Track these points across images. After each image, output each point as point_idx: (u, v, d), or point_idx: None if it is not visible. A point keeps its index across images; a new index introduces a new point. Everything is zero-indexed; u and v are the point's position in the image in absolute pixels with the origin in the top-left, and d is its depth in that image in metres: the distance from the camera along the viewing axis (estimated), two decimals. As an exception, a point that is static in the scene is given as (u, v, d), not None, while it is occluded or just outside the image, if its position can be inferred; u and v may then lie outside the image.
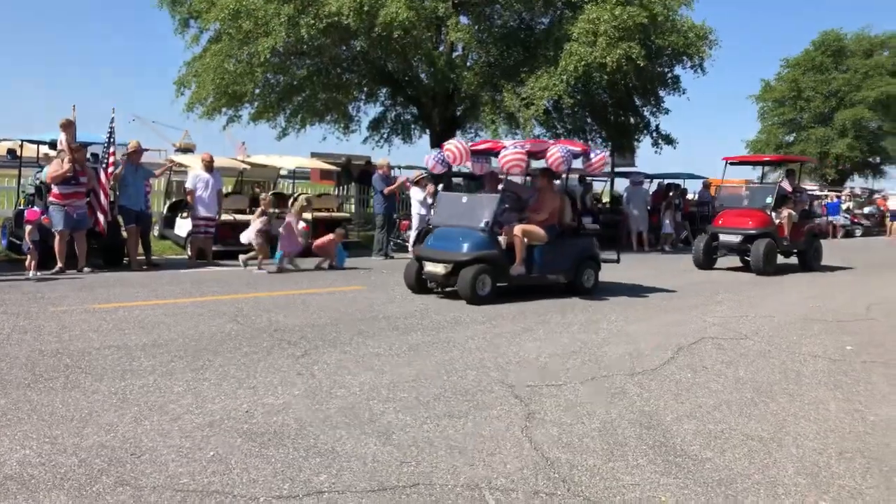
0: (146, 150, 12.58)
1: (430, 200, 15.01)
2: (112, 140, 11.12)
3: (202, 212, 12.10)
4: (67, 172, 10.02)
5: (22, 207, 11.37)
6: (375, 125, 21.32)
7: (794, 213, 13.74)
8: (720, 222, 14.01)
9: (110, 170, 10.96)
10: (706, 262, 13.81)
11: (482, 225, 8.90)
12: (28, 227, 9.69)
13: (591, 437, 4.21)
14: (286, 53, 16.91)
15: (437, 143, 19.68)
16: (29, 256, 9.68)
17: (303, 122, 19.47)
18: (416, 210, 14.64)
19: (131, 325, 6.73)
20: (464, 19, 17.67)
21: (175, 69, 19.74)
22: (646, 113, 20.35)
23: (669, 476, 3.71)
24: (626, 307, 8.97)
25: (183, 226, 13.31)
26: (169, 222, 14.43)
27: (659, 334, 7.30)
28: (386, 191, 14.17)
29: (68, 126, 10.38)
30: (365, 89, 19.96)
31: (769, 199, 13.67)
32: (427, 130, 20.32)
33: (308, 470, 3.57)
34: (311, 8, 15.17)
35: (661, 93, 19.93)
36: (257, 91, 17.71)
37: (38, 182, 11.18)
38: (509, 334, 7.01)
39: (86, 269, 10.24)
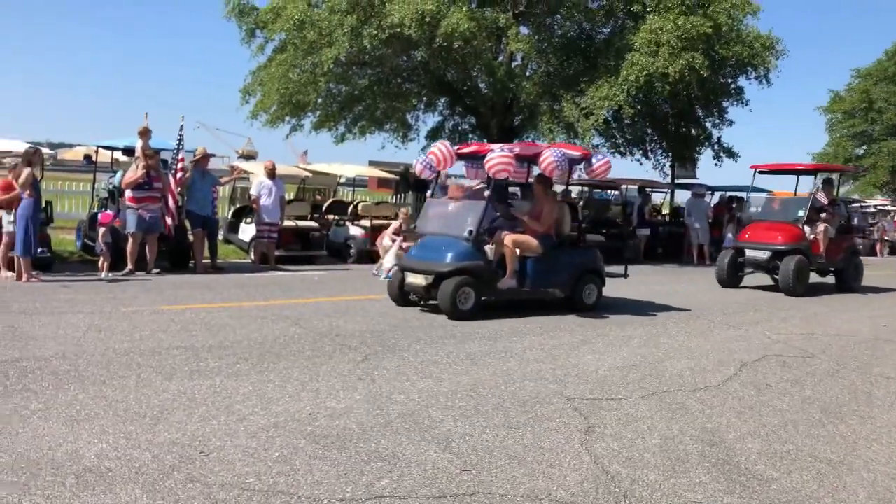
0: (212, 156, 12.96)
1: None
2: (181, 146, 11.51)
3: (266, 218, 12.40)
4: (140, 178, 10.41)
5: (96, 211, 11.85)
6: (433, 134, 21.48)
7: (830, 227, 12.50)
8: (747, 236, 12.75)
9: (179, 175, 11.34)
10: (731, 279, 12.61)
11: (465, 234, 8.29)
12: (101, 230, 10.10)
13: (652, 453, 4.16)
14: (348, 63, 17.23)
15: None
16: (102, 258, 10.07)
17: (362, 130, 19.77)
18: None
19: (198, 326, 6.95)
20: (524, 29, 17.70)
21: (241, 78, 20.28)
22: (708, 124, 20.00)
23: (733, 495, 3.64)
24: (686, 322, 8.82)
25: (247, 231, 13.65)
26: (233, 227, 14.80)
27: (721, 350, 7.16)
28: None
29: (145, 133, 10.78)
30: (424, 99, 20.16)
31: (801, 213, 12.37)
32: (485, 140, 20.38)
33: (370, 474, 3.63)
34: (374, 19, 15.44)
35: (725, 104, 19.57)
36: (319, 100, 18.07)
37: (111, 186, 11.63)
38: (567, 346, 6.98)
39: (154, 271, 10.60)
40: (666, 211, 23.31)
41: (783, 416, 5.03)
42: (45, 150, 11.20)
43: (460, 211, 8.82)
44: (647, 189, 19.53)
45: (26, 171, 9.24)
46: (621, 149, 19.67)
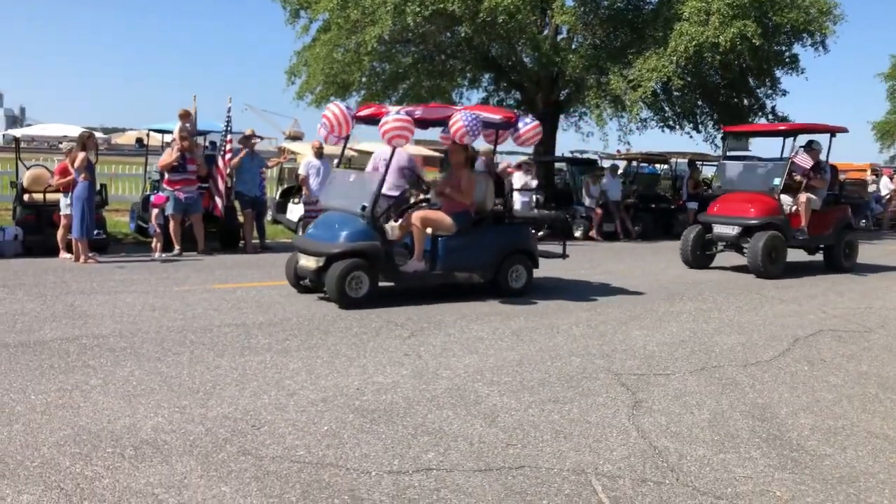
0: (260, 138, 13.12)
1: (533, 184, 14.99)
2: (229, 128, 11.68)
3: (314, 197, 12.49)
4: (175, 161, 10.58)
5: (148, 193, 12.14)
6: (478, 111, 21.37)
7: (815, 197, 10.82)
8: (716, 209, 11.20)
9: (228, 157, 11.51)
10: (697, 259, 11.02)
11: (360, 210, 7.28)
12: (154, 212, 10.36)
13: (701, 428, 4.11)
14: (392, 41, 17.19)
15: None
16: (155, 239, 10.33)
17: (407, 108, 19.75)
18: (518, 196, 14.63)
19: (248, 304, 7.09)
20: (569, 2, 17.38)
21: (286, 59, 20.45)
22: (760, 94, 19.41)
23: (785, 471, 3.58)
24: (737, 296, 8.65)
25: (295, 211, 13.82)
26: (281, 207, 15.00)
27: (773, 325, 7.00)
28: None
29: (185, 116, 10.96)
30: (468, 75, 20.01)
31: (777, 181, 10.61)
32: (530, 115, 20.17)
33: (417, 447, 3.68)
34: (417, -5, 15.33)
35: (778, 73, 18.94)
36: (364, 79, 18.10)
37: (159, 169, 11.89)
38: (615, 322, 6.91)
39: (204, 251, 10.83)
40: (719, 184, 22.72)
41: (838, 392, 4.91)
42: (98, 135, 11.47)
43: (359, 183, 7.83)
44: (698, 162, 19.10)
45: (81, 155, 9.50)
46: (670, 122, 19.26)
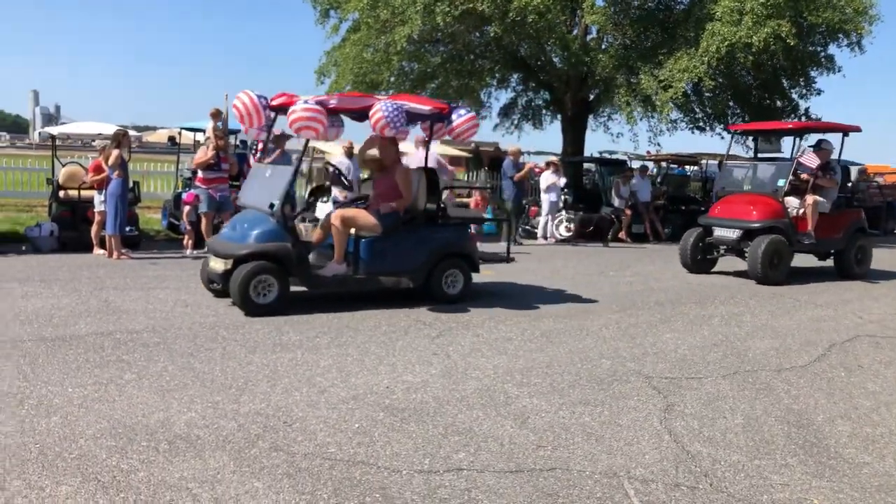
0: (290, 136, 13.19)
1: (561, 183, 14.93)
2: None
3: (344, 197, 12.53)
4: (211, 159, 10.68)
5: (180, 191, 12.28)
6: (506, 111, 21.31)
7: (823, 200, 10.25)
8: (717, 211, 10.69)
9: (259, 155, 11.59)
10: (697, 263, 10.56)
11: (268, 208, 6.75)
12: (186, 209, 10.48)
13: (735, 433, 4.05)
14: (421, 41, 17.21)
15: (568, 127, 19.48)
16: (186, 236, 10.45)
17: (435, 108, 19.74)
18: (546, 196, 14.60)
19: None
20: (599, 1, 17.27)
21: (316, 59, 20.56)
22: (794, 95, 19.11)
23: (822, 478, 3.51)
24: (770, 300, 8.51)
25: (323, 209, 13.88)
26: (309, 206, 15.09)
27: (808, 330, 6.89)
28: (515, 177, 14.15)
29: (217, 115, 11.06)
30: (497, 75, 19.96)
31: (781, 182, 10.14)
32: (559, 115, 20.09)
33: (447, 447, 3.67)
34: (447, -5, 15.32)
35: (813, 73, 18.63)
36: (392, 79, 18.13)
37: (193, 167, 12.02)
38: (645, 324, 6.85)
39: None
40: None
41: (876, 399, 4.81)
42: (131, 133, 11.63)
43: (272, 179, 7.22)
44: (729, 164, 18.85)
45: (115, 153, 9.64)
46: (701, 123, 19.04)
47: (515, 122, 21.26)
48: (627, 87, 16.67)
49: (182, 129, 13.80)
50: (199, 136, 13.76)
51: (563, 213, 15.25)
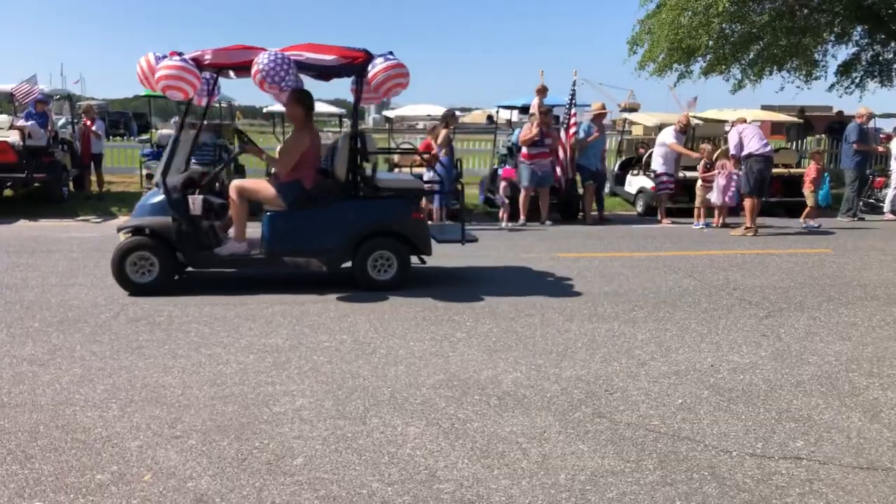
0: (606, 112, 13.14)
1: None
2: (573, 102, 11.89)
3: (663, 169, 12.14)
4: (535, 136, 11.04)
5: (496, 167, 12.95)
6: (845, 69, 18.81)
7: None
8: None
9: (571, 130, 11.74)
10: None
11: (156, 179, 6.00)
12: (502, 184, 11.02)
13: None
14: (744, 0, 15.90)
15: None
16: (502, 210, 11.00)
17: (759, 72, 18.15)
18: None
19: (592, 273, 7.19)
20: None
21: (622, 31, 20.15)
22: None
23: None
24: None
25: (633, 183, 13.64)
26: (619, 180, 14.92)
27: None
28: (857, 146, 12.44)
29: (542, 91, 11.40)
30: (836, 30, 17.69)
31: None
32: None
33: (782, 433, 3.40)
34: (777, -56, 13.94)
35: None
36: (710, 43, 17.04)
37: (510, 143, 12.57)
38: None
39: (546, 221, 11.23)
40: None
41: None
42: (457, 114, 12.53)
43: (179, 148, 6.43)
44: None
45: (444, 132, 10.45)
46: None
47: (857, 80, 18.70)
48: None
49: (500, 107, 14.49)
50: (515, 115, 14.34)
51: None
